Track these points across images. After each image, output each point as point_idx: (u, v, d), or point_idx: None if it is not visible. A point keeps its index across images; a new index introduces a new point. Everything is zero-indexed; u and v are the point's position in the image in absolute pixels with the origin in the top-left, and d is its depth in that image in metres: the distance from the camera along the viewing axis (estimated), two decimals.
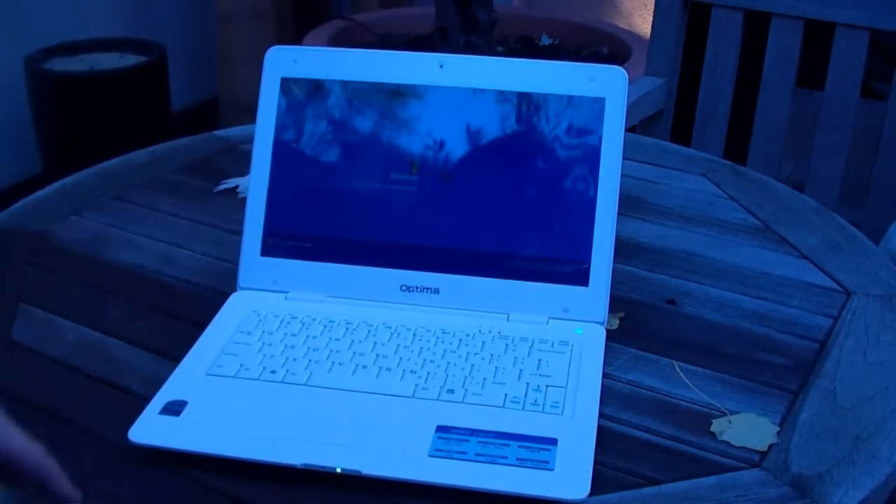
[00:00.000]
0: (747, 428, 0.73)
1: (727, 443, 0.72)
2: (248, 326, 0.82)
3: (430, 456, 0.68)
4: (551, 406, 0.73)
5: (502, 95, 0.85)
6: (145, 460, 0.70)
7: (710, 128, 1.59)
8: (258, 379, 0.76)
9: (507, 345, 0.80)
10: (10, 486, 0.58)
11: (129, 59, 2.52)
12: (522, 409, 0.73)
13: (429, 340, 0.80)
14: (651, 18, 1.64)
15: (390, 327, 0.82)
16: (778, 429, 0.73)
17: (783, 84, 1.51)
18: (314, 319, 0.83)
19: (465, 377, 0.76)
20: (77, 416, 0.74)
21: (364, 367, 0.77)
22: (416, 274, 0.85)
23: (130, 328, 0.85)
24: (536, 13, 2.94)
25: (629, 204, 1.06)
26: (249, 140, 0.91)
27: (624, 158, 0.84)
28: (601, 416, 0.73)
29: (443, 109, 0.86)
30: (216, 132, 1.26)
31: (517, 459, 0.68)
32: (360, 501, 0.67)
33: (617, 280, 0.86)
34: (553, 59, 0.89)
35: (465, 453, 0.68)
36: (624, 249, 0.97)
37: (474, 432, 0.70)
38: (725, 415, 0.75)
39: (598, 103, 0.84)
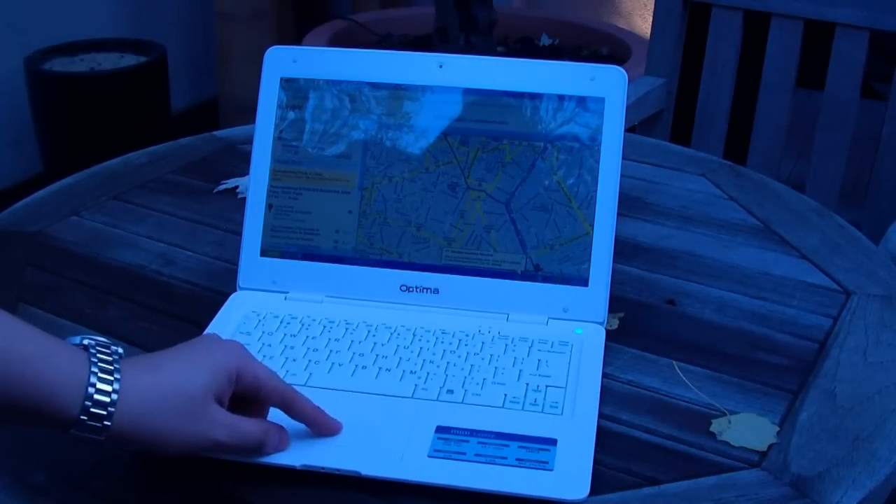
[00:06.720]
0: (747, 428, 0.73)
1: (727, 443, 0.72)
2: (247, 327, 0.82)
3: (429, 456, 0.68)
4: (551, 406, 0.73)
5: (502, 95, 0.85)
6: (145, 460, 0.70)
7: (710, 128, 1.59)
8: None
9: (506, 345, 0.80)
10: (259, 407, 0.68)
11: (129, 60, 2.53)
12: (522, 409, 0.73)
13: (428, 341, 0.80)
14: (651, 18, 1.64)
15: (390, 327, 0.82)
16: (778, 429, 0.73)
17: (783, 84, 1.51)
18: (314, 320, 0.83)
19: (465, 377, 0.76)
20: None
21: (363, 367, 0.77)
22: (415, 274, 0.85)
23: (130, 328, 0.85)
24: (536, 13, 2.94)
25: (629, 204, 1.06)
26: (249, 140, 0.91)
27: (624, 158, 0.84)
28: (601, 416, 0.73)
29: (442, 109, 0.86)
30: (216, 132, 1.26)
31: (517, 460, 0.68)
32: (360, 502, 0.67)
33: (617, 280, 0.86)
34: (553, 59, 0.89)
35: (464, 454, 0.68)
36: (624, 249, 0.97)
37: (474, 433, 0.70)
38: (725, 415, 0.75)
39: (598, 103, 0.84)
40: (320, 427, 0.69)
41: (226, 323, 0.83)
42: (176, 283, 0.93)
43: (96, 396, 0.58)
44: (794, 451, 0.71)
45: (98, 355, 0.60)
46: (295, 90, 0.88)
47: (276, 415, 0.69)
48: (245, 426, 0.65)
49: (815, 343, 0.84)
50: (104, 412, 0.58)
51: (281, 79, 0.88)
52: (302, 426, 0.70)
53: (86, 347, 0.61)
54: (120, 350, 0.61)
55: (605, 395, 0.76)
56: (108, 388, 0.59)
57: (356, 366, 0.78)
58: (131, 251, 0.98)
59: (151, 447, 0.63)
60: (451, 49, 2.29)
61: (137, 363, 0.62)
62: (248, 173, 0.88)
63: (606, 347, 0.80)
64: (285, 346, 0.80)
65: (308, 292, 0.86)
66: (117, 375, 0.59)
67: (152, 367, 0.62)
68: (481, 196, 0.85)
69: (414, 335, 0.81)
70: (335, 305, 0.85)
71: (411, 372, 0.77)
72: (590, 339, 0.81)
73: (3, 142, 2.51)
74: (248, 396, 0.67)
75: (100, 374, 0.59)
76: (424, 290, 0.84)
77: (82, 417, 0.58)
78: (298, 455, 0.68)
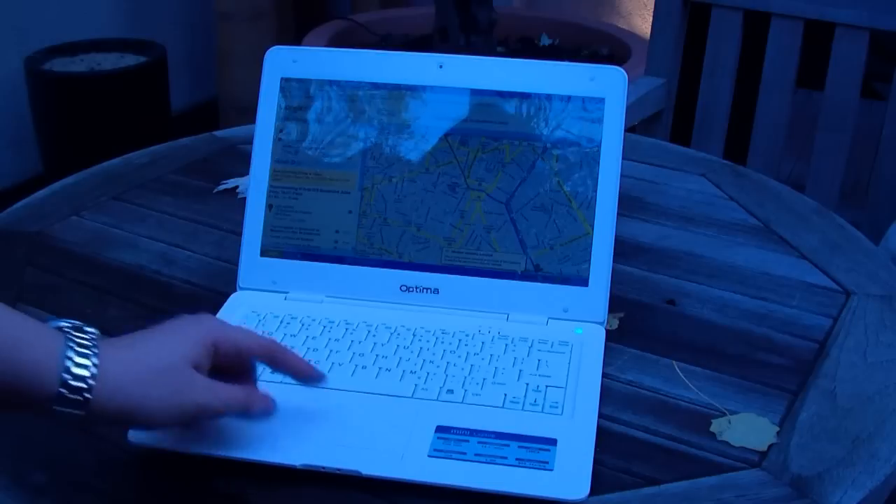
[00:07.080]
0: (747, 428, 0.73)
1: (727, 443, 0.72)
2: (247, 327, 0.82)
3: (429, 456, 0.68)
4: (551, 406, 0.73)
5: (502, 96, 0.85)
6: (145, 461, 0.70)
7: (710, 128, 1.59)
8: (257, 379, 0.76)
9: (506, 345, 0.80)
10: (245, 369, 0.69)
11: (129, 60, 2.52)
12: (522, 409, 0.73)
13: (428, 341, 0.80)
14: (651, 18, 1.64)
15: (390, 327, 0.82)
16: (777, 429, 0.73)
17: (783, 84, 1.51)
18: (313, 320, 0.83)
19: (465, 377, 0.76)
20: None
21: (363, 367, 0.77)
22: (415, 274, 0.85)
23: (130, 328, 0.85)
24: (536, 13, 2.94)
25: (629, 204, 1.06)
26: (249, 140, 0.91)
27: (624, 158, 0.84)
28: (601, 416, 0.73)
29: (442, 110, 0.86)
30: (216, 132, 1.26)
31: (517, 459, 0.68)
32: (360, 501, 0.67)
33: (617, 280, 0.86)
34: (553, 59, 0.89)
35: (464, 453, 0.68)
36: (624, 249, 0.97)
37: (474, 432, 0.70)
38: (725, 415, 0.75)
39: (598, 103, 0.84)
40: (305, 375, 0.70)
41: None
42: (176, 283, 0.93)
43: (74, 370, 0.59)
44: (794, 451, 0.71)
45: (73, 332, 0.61)
46: (295, 90, 0.88)
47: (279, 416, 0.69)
48: (227, 388, 0.65)
49: (815, 343, 0.84)
50: (83, 385, 0.59)
51: (281, 79, 0.88)
52: (303, 426, 0.70)
53: (61, 329, 0.61)
54: (95, 331, 0.62)
55: (605, 395, 0.76)
56: (87, 361, 0.59)
57: (356, 366, 0.78)
58: (131, 251, 0.98)
59: (135, 419, 0.63)
60: (451, 49, 2.29)
61: (114, 342, 0.63)
62: (248, 173, 0.88)
63: (606, 347, 0.80)
64: None
65: (308, 292, 0.86)
66: (95, 350, 0.60)
67: (129, 345, 0.64)
68: (481, 196, 0.85)
69: (414, 335, 0.81)
70: (335, 305, 0.85)
71: (411, 372, 0.77)
72: (590, 339, 0.81)
73: (3, 142, 2.51)
74: (231, 364, 0.67)
75: (76, 349, 0.59)
76: (424, 290, 0.85)
77: (61, 390, 0.58)
78: (298, 455, 0.68)
